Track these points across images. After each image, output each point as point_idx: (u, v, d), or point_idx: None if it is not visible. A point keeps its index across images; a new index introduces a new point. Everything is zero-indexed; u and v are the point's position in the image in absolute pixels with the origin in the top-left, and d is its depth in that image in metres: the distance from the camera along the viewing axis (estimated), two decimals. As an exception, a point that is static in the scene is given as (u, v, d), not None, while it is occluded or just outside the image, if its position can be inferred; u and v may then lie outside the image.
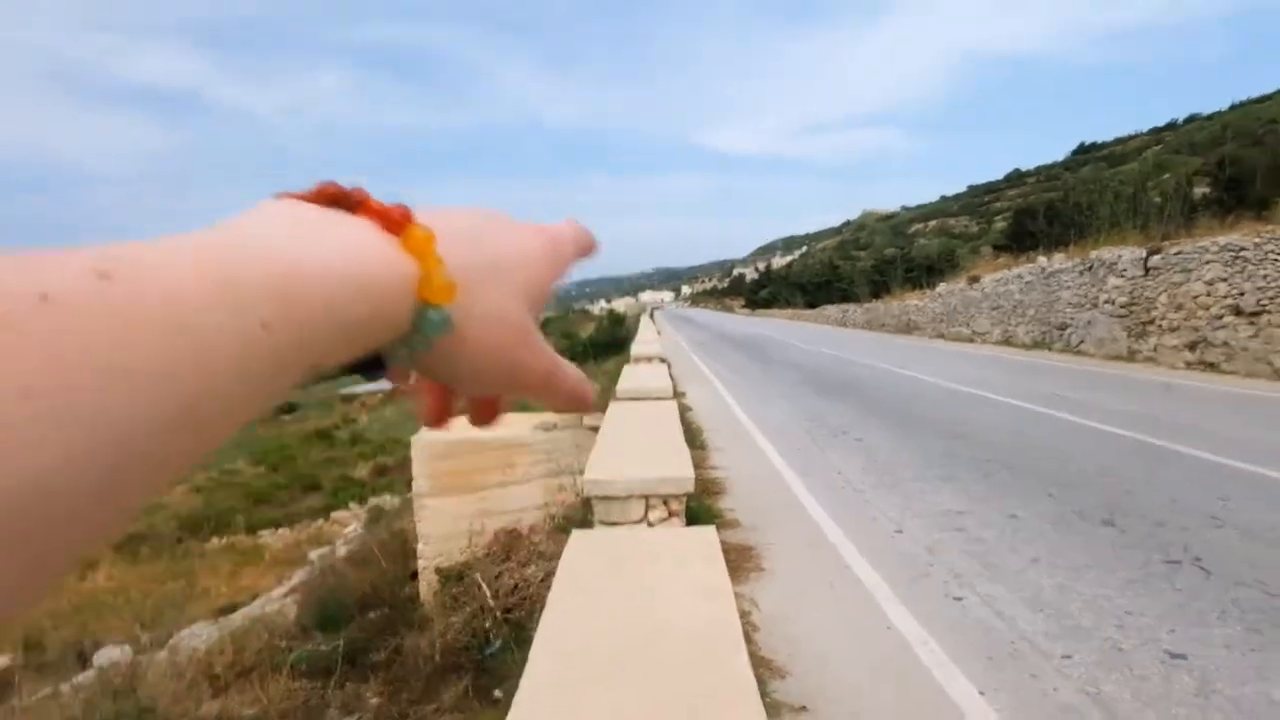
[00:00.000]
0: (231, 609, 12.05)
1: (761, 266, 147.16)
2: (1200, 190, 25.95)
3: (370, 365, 0.33)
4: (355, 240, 0.30)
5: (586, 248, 0.43)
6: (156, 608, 13.93)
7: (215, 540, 20.11)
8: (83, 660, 9.34)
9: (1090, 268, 17.06)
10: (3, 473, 0.19)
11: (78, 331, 0.21)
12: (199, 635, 9.39)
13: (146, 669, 6.93)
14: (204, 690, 6.36)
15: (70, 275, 0.21)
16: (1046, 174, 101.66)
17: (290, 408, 55.12)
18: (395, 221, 0.31)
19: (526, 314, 0.37)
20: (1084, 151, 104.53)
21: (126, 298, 0.22)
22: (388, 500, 18.20)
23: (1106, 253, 16.66)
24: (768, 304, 72.96)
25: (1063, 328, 18.05)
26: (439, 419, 0.40)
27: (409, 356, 0.32)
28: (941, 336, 24.59)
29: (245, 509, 22.79)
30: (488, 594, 6.12)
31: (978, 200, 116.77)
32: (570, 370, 0.40)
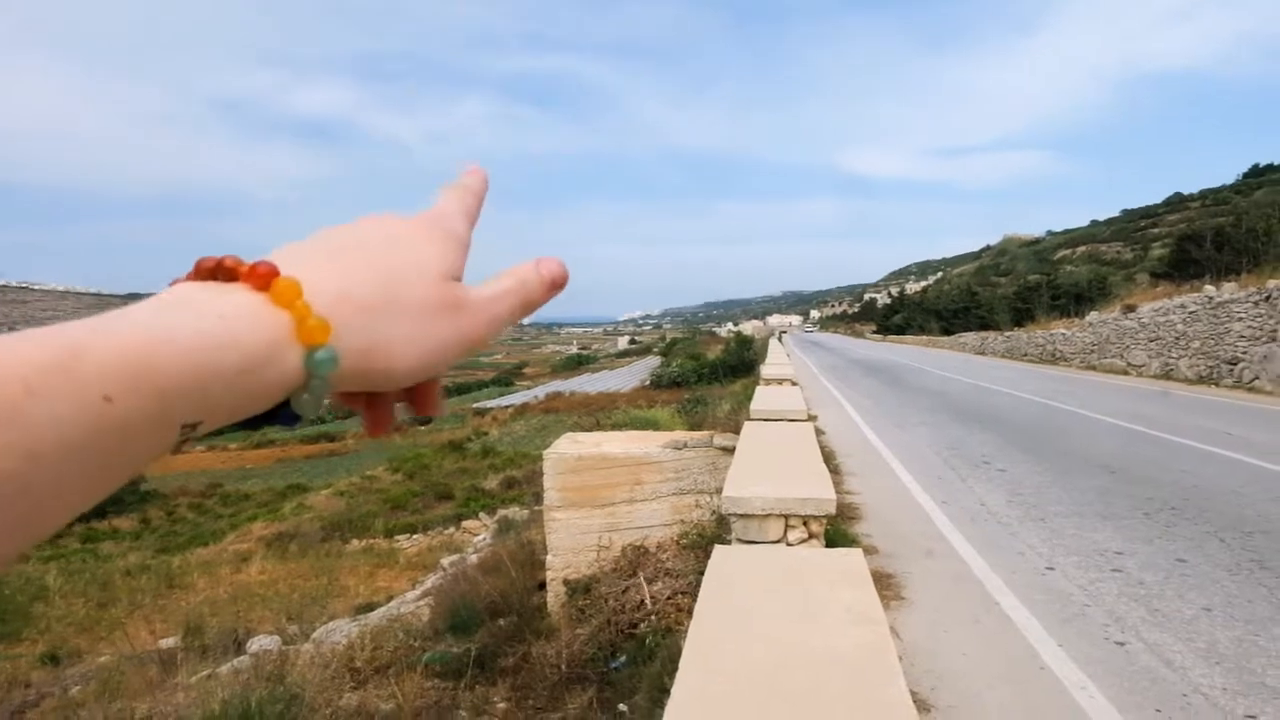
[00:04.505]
0: (369, 608, 12.60)
1: (894, 291, 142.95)
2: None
3: (283, 414, 0.35)
4: (218, 305, 0.32)
5: (473, 209, 0.46)
6: (302, 602, 14.75)
7: (355, 542, 21.13)
8: (238, 646, 9.98)
9: (1268, 298, 15.66)
10: None
11: None
12: (340, 630, 9.86)
13: (295, 658, 7.33)
14: (345, 682, 6.67)
15: None
16: (1213, 198, 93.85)
17: (426, 420, 57.54)
18: (262, 278, 0.34)
19: (439, 297, 0.38)
20: (1258, 174, 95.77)
21: None
22: (515, 511, 18.64)
23: (1287, 281, 15.28)
24: (900, 330, 70.70)
25: (1233, 362, 16.62)
26: (379, 428, 0.42)
27: (314, 402, 0.35)
28: (1091, 368, 23.12)
29: (383, 514, 23.87)
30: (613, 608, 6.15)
31: (1132, 225, 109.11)
32: (508, 293, 0.42)
